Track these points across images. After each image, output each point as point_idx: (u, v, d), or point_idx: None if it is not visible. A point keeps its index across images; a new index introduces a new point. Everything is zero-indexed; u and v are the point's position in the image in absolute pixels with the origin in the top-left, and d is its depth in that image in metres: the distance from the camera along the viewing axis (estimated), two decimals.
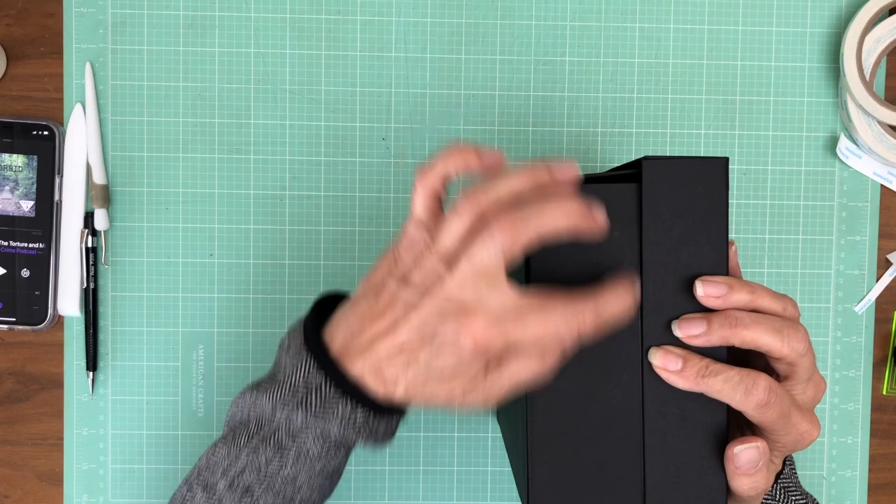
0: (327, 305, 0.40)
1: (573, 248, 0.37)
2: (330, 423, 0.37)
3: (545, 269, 0.37)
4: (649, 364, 0.37)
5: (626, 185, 0.37)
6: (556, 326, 0.34)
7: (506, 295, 0.34)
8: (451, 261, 0.35)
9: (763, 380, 0.36)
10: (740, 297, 0.36)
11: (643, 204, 0.37)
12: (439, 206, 0.38)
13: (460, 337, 0.34)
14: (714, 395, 0.36)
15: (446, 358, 0.35)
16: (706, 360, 0.36)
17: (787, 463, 0.45)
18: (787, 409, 0.37)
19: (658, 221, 0.37)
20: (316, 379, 0.37)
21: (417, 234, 0.37)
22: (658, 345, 0.37)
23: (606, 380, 0.37)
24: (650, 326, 0.37)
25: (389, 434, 0.39)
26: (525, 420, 0.37)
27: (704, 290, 0.36)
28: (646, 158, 0.36)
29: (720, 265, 0.37)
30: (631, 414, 0.37)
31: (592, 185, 0.37)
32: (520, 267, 0.38)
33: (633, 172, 0.37)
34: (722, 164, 0.37)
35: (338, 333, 0.37)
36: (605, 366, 0.37)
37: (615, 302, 0.35)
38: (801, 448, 0.39)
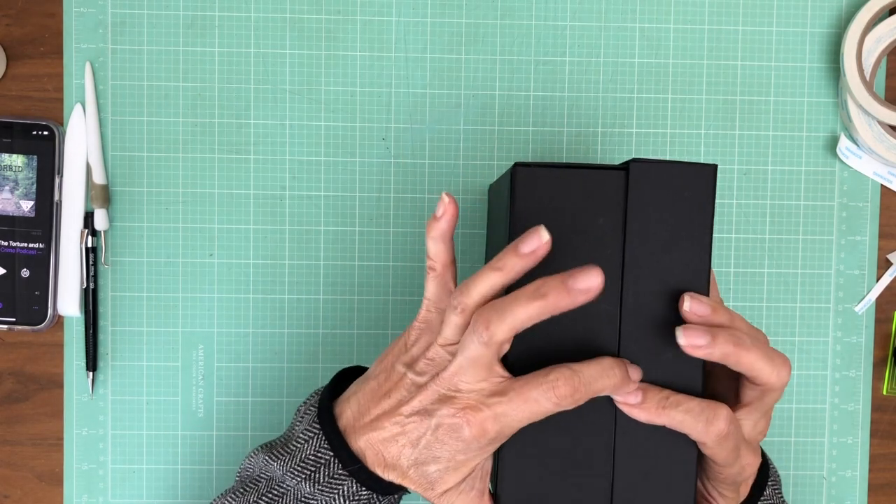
0: (344, 378, 0.43)
1: (558, 234, 0.37)
2: (336, 498, 0.39)
3: None
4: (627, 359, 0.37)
5: (612, 172, 0.37)
6: (539, 406, 0.35)
7: (496, 380, 0.36)
8: (453, 351, 0.37)
9: (723, 410, 0.36)
10: (720, 321, 0.36)
11: (628, 205, 0.37)
12: (452, 282, 0.40)
13: (456, 419, 0.36)
14: (676, 427, 0.36)
15: (443, 442, 0.37)
16: (666, 392, 0.36)
17: (770, 484, 0.44)
18: (740, 440, 0.37)
19: (643, 223, 0.37)
20: (325, 456, 0.39)
21: (432, 317, 0.39)
22: (634, 345, 0.37)
23: None
24: (627, 327, 0.37)
25: None
26: None
27: (691, 307, 0.36)
28: (634, 160, 0.36)
29: (702, 272, 0.37)
30: (605, 407, 0.37)
31: (578, 170, 0.37)
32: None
33: (622, 165, 0.37)
34: (710, 171, 0.37)
35: (347, 409, 0.40)
36: (583, 359, 0.37)
37: (601, 379, 0.35)
38: (742, 480, 0.39)
